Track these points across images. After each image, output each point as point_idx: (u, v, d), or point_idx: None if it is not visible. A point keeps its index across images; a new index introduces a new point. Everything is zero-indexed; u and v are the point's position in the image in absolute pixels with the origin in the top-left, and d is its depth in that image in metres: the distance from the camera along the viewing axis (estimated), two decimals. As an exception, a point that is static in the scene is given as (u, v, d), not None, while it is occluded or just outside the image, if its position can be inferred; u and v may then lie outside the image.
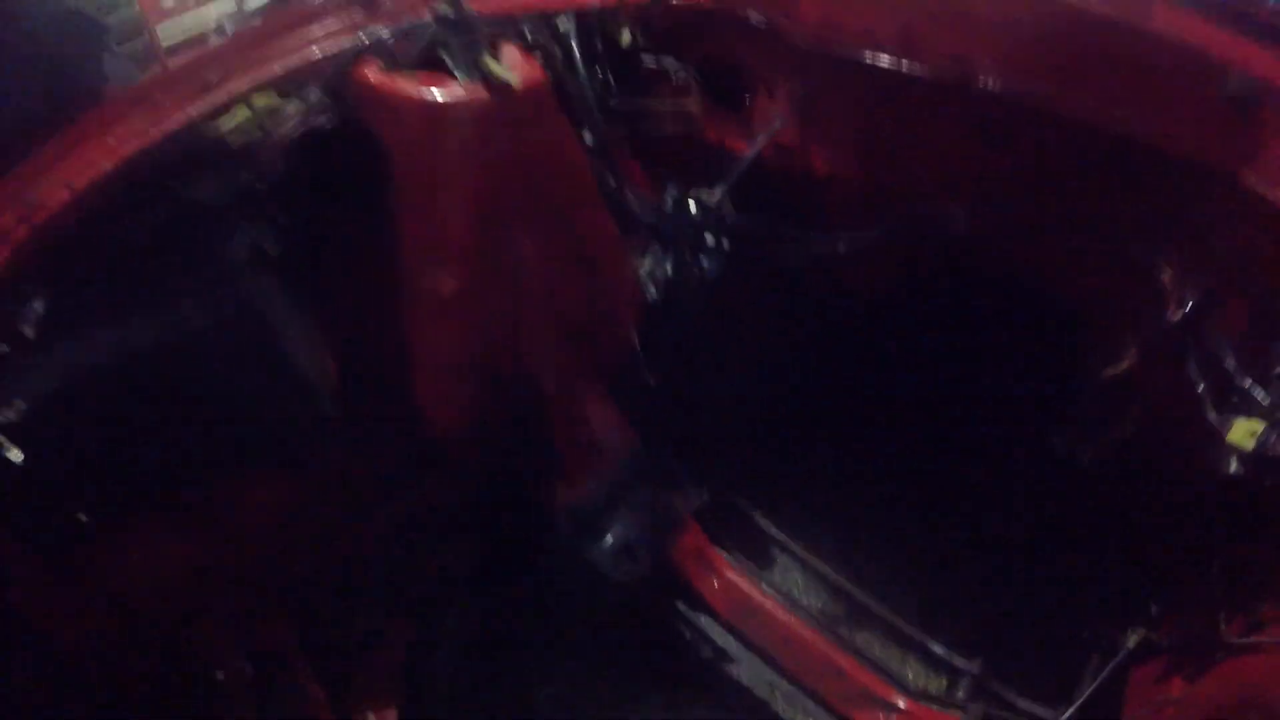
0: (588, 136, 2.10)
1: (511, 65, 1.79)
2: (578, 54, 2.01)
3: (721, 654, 2.42)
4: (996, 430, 2.37)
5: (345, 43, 1.84)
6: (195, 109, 1.74)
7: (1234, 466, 1.66)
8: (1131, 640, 2.06)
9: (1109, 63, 1.77)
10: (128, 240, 1.67)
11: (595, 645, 2.59)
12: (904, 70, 1.94)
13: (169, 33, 4.27)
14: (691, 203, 2.24)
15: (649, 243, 2.27)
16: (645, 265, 2.31)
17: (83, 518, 1.85)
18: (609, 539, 2.10)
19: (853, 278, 2.37)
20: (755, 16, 2.08)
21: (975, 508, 2.47)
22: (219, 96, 1.76)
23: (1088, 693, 1.99)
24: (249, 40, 1.87)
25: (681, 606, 2.30)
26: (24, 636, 1.91)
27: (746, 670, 2.51)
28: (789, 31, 2.04)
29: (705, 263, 2.36)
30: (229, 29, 3.45)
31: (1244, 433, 1.66)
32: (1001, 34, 1.84)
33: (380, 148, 1.81)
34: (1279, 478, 1.66)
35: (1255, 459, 1.64)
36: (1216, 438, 1.69)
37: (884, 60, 1.96)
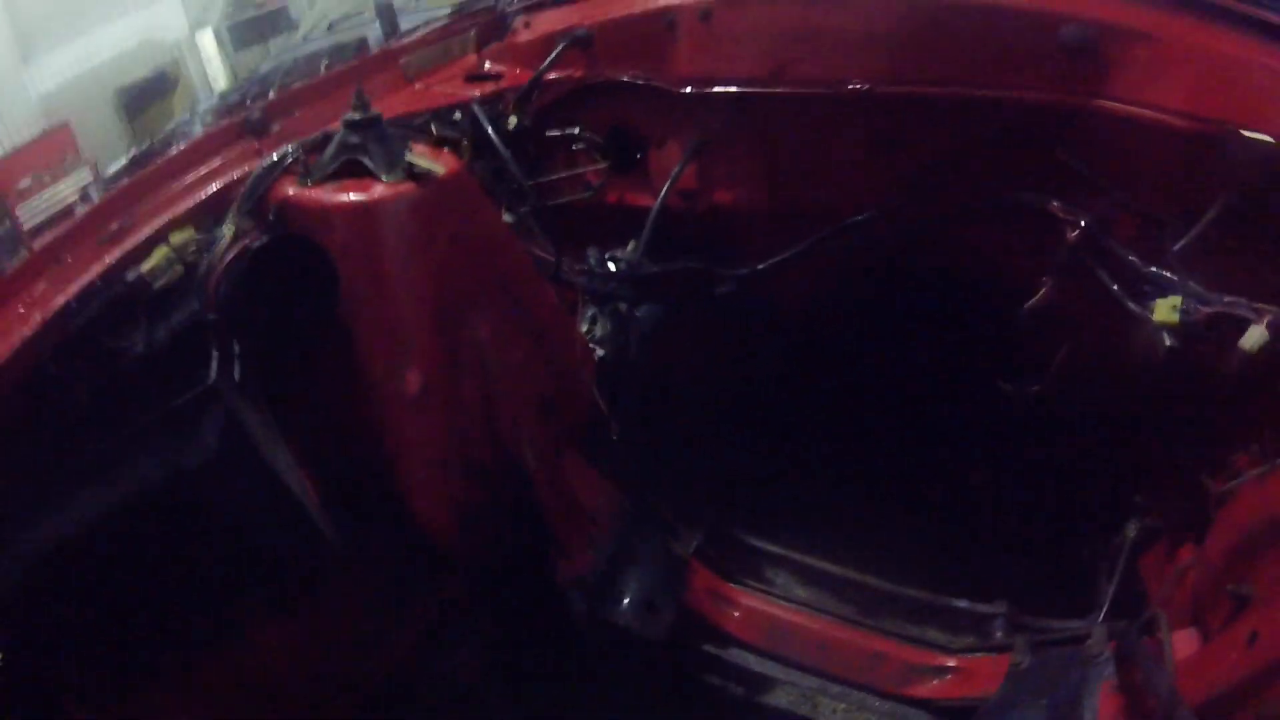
0: (507, 216, 2.17)
1: (429, 158, 1.85)
2: (479, 141, 2.10)
3: (757, 685, 2.43)
4: (953, 393, 2.51)
5: (250, 168, 1.81)
6: (110, 258, 1.66)
7: (1169, 342, 1.84)
8: (1132, 532, 2.20)
9: (958, 41, 1.99)
10: (66, 404, 1.58)
11: (633, 712, 2.55)
12: (784, 98, 2.13)
13: (31, 212, 4.09)
14: (610, 263, 2.35)
15: (585, 306, 2.35)
16: (586, 327, 2.38)
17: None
18: (626, 600, 2.11)
19: (783, 296, 2.49)
20: (630, 78, 2.24)
21: (953, 468, 2.59)
22: (131, 242, 1.70)
23: (1111, 593, 2.10)
24: (137, 190, 1.80)
25: (710, 648, 2.29)
26: None
27: (785, 693, 2.53)
28: (666, 87, 2.21)
29: (639, 314, 2.45)
30: (94, 196, 3.35)
31: (1166, 310, 1.86)
32: (863, 43, 2.04)
33: (318, 259, 1.80)
34: (1207, 339, 1.85)
35: (1183, 329, 1.83)
36: (1144, 324, 1.89)
37: (763, 93, 2.14)
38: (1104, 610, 2.02)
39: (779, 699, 2.63)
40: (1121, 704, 1.81)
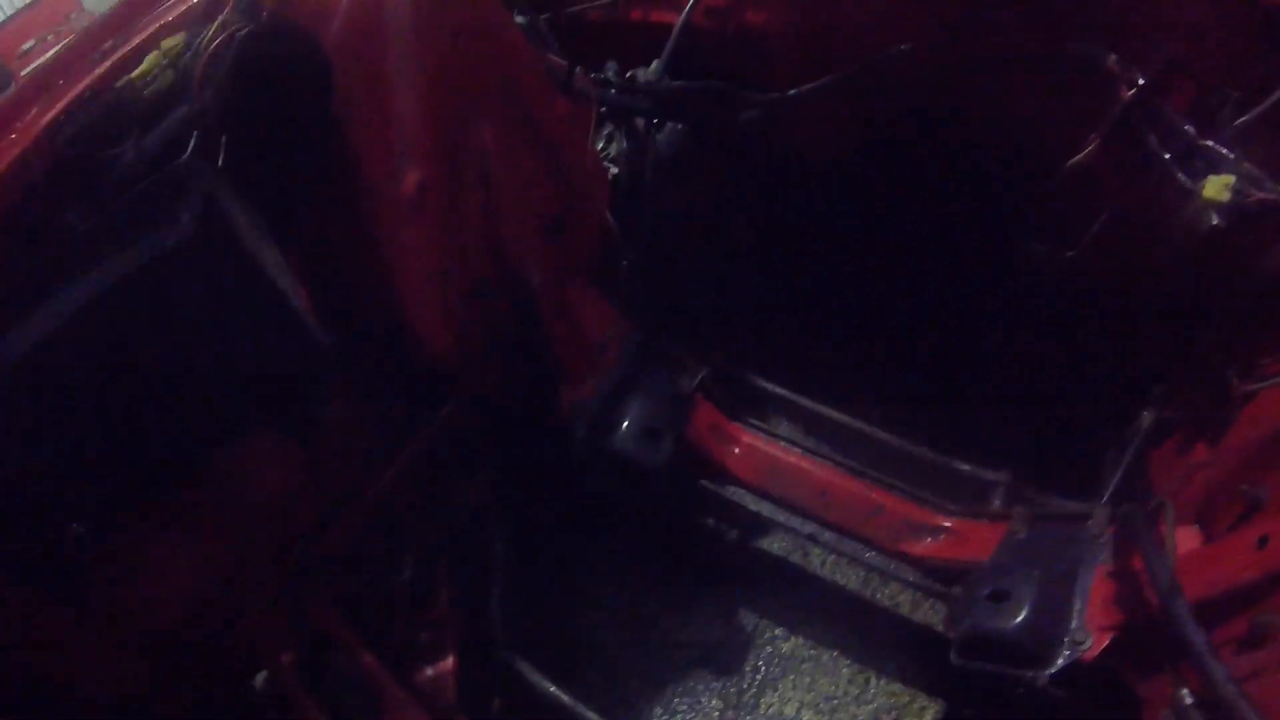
0: (519, 19, 2.00)
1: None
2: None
3: (751, 527, 2.45)
4: (979, 252, 2.38)
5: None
6: (100, 71, 1.56)
7: (1213, 221, 1.72)
8: (1147, 420, 2.12)
9: None
10: (64, 221, 1.50)
11: (632, 548, 2.62)
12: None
13: (36, 74, 3.88)
14: (631, 78, 2.18)
15: (601, 123, 2.19)
16: (601, 145, 2.24)
17: (78, 529, 1.73)
18: (627, 425, 2.06)
19: (809, 131, 2.33)
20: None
21: (971, 330, 2.49)
22: (121, 54, 1.58)
23: (1117, 478, 2.05)
24: (130, 10, 1.68)
25: (708, 484, 2.28)
26: (41, 699, 1.79)
27: (778, 539, 2.57)
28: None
29: (658, 136, 2.30)
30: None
31: (1218, 187, 1.73)
32: None
33: (309, 50, 1.67)
34: (1256, 227, 1.73)
35: (1231, 211, 1.71)
36: (1191, 199, 1.76)
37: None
38: (1107, 495, 1.97)
39: (771, 544, 2.66)
40: (1116, 588, 1.79)
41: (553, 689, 2.06)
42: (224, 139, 1.60)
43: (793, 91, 2.20)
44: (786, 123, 2.27)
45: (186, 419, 1.72)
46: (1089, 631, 1.75)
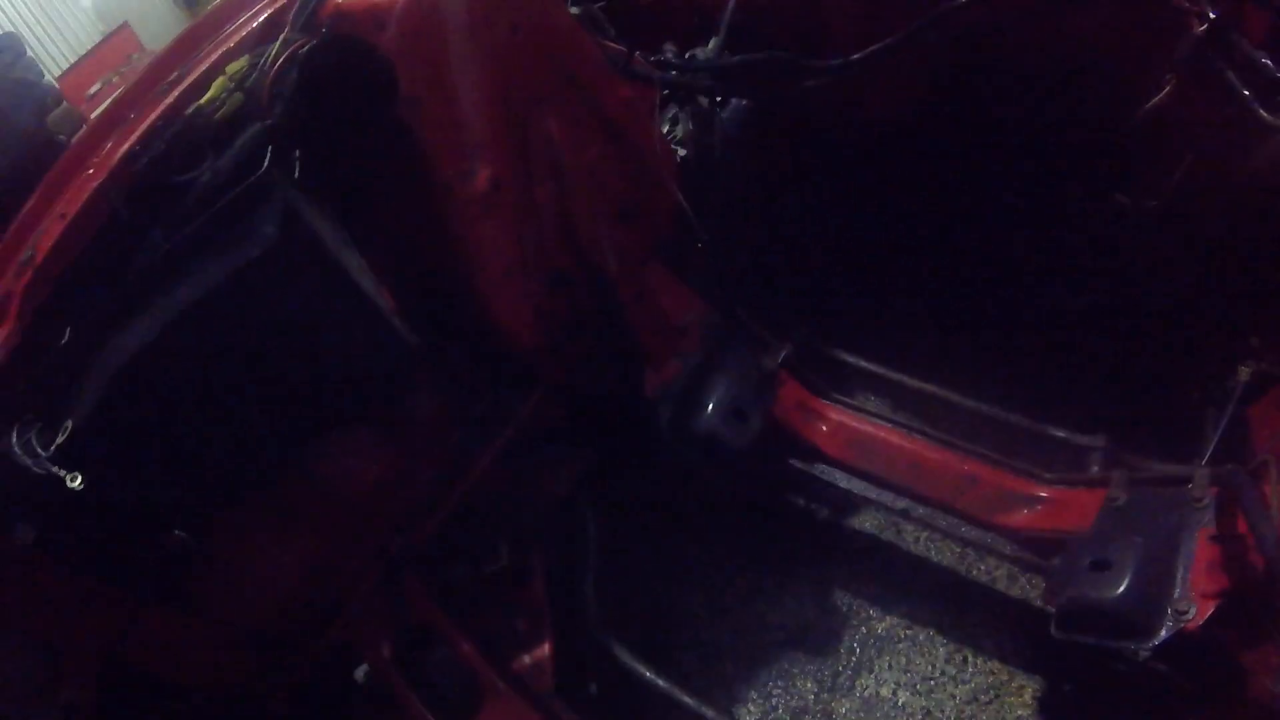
0: (573, 10, 2.00)
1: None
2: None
3: (842, 504, 2.43)
4: (1058, 209, 2.31)
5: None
6: (169, 101, 1.62)
7: None
8: (1244, 375, 2.04)
9: None
10: (141, 247, 1.57)
11: (723, 529, 2.62)
12: None
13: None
14: (691, 57, 2.16)
15: (664, 105, 2.19)
16: (667, 127, 2.23)
17: (181, 534, 1.80)
18: (712, 406, 2.05)
19: (874, 95, 2.28)
20: None
21: (1056, 289, 2.42)
22: (189, 83, 1.65)
23: (1217, 438, 1.97)
24: (192, 39, 1.74)
25: (797, 463, 2.27)
26: (150, 697, 1.87)
27: (870, 516, 2.54)
28: None
29: (722, 113, 2.28)
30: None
31: None
32: None
33: (372, 59, 1.69)
34: None
35: None
36: (1275, 134, 1.69)
37: None
38: (1208, 455, 1.89)
39: (863, 522, 2.63)
40: (1220, 552, 1.72)
41: (648, 673, 2.07)
42: (298, 152, 1.64)
43: (856, 55, 2.14)
44: (852, 88, 2.21)
45: (281, 421, 1.77)
46: (1193, 600, 1.69)
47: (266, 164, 1.60)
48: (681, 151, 2.23)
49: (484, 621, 2.11)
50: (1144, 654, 1.71)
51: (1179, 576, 1.72)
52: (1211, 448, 1.97)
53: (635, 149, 2.01)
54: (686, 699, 2.07)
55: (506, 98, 1.79)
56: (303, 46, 1.62)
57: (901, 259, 2.66)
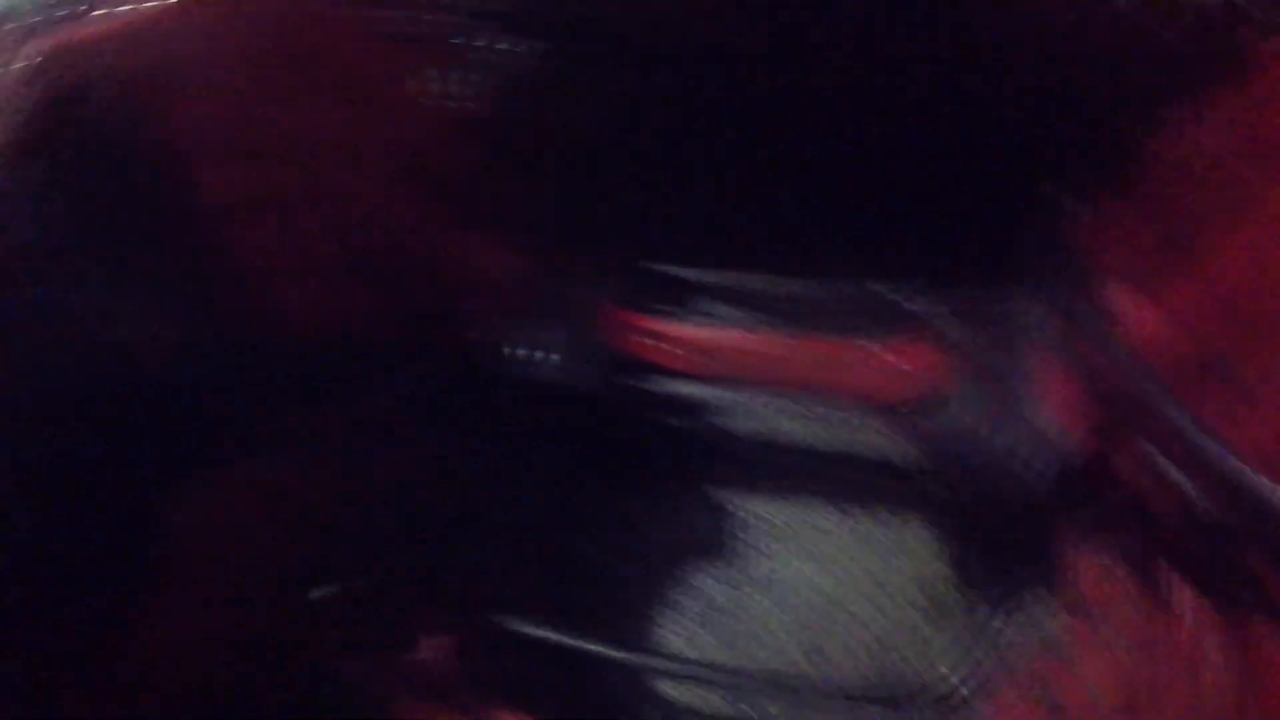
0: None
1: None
2: None
3: (710, 415, 2.36)
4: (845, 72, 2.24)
5: None
6: None
7: None
8: (1061, 192, 2.04)
9: None
10: None
11: (591, 470, 2.53)
12: None
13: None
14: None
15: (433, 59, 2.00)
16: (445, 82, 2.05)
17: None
18: (552, 355, 1.94)
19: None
20: None
21: (868, 152, 2.36)
22: None
23: (1044, 259, 1.98)
24: None
25: (651, 388, 2.18)
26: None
27: (741, 419, 2.49)
28: None
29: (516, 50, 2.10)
30: None
31: None
32: None
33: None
34: None
35: None
36: None
37: None
38: (1039, 278, 1.89)
39: (737, 424, 2.59)
40: (1066, 368, 1.74)
41: (546, 633, 1.99)
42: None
43: None
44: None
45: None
46: (1057, 420, 1.71)
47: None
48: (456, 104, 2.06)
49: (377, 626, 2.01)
50: (1026, 494, 1.75)
51: (1040, 401, 1.75)
52: (1042, 269, 1.98)
53: (405, 113, 1.81)
54: (593, 647, 2.02)
55: (261, 97, 1.56)
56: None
57: (707, 154, 2.53)
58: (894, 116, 2.33)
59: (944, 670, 2.38)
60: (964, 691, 1.91)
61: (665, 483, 2.48)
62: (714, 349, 2.09)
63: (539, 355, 1.99)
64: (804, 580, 2.50)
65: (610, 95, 2.43)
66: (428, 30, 1.88)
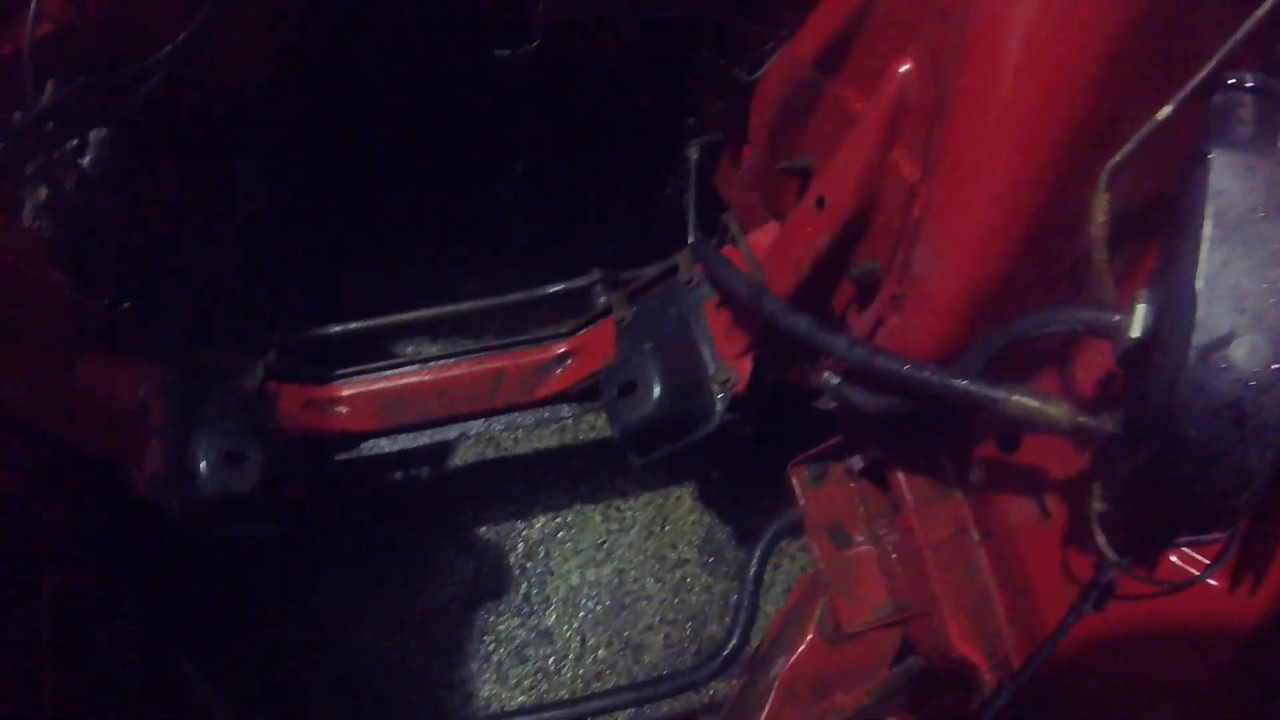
0: None
1: None
2: None
3: (417, 463, 2.32)
4: (440, 77, 2.19)
5: None
6: None
7: None
8: (694, 154, 2.06)
9: None
10: None
11: (330, 559, 2.41)
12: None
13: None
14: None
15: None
16: (26, 212, 1.85)
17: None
18: (204, 468, 1.77)
19: (224, 66, 1.99)
20: None
21: (499, 163, 2.36)
22: None
23: (692, 221, 1.99)
24: None
25: (345, 456, 2.07)
26: None
27: (460, 451, 2.45)
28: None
29: (83, 159, 1.92)
30: None
31: None
32: None
33: None
34: None
35: None
36: None
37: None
38: (689, 239, 1.90)
39: (456, 460, 2.52)
40: (728, 314, 1.75)
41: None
42: None
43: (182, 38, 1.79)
44: (196, 68, 1.92)
45: None
46: (729, 367, 1.73)
47: None
48: (43, 226, 1.85)
49: None
50: (718, 428, 1.74)
51: (707, 353, 1.75)
52: (691, 230, 1.99)
53: None
54: None
55: None
56: None
57: (343, 207, 2.48)
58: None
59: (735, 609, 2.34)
60: (740, 642, 1.91)
61: (415, 538, 2.37)
62: (390, 398, 1.99)
63: (195, 471, 1.83)
64: (592, 584, 2.46)
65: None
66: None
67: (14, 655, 1.72)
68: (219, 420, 1.82)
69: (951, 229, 1.27)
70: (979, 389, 1.19)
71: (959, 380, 1.22)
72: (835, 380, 1.48)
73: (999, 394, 1.18)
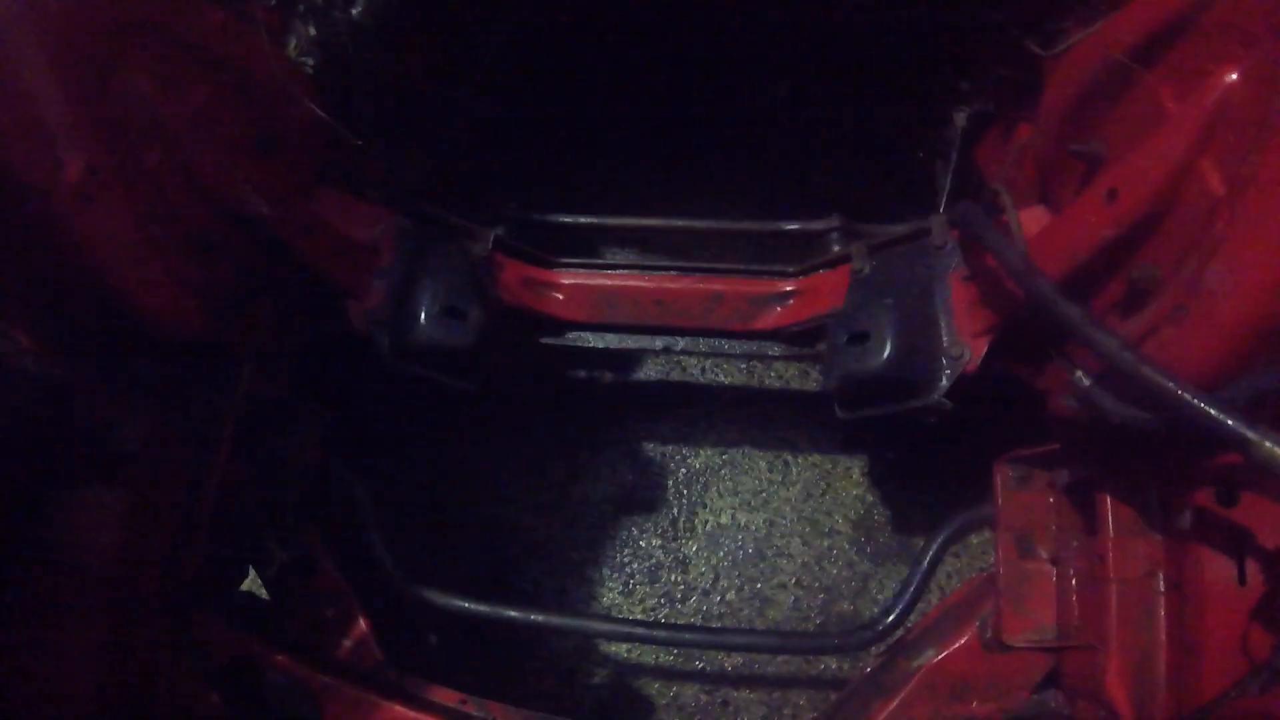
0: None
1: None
2: None
3: (608, 364, 2.33)
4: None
5: None
6: None
7: None
8: (962, 121, 1.97)
9: None
10: None
11: (508, 431, 2.48)
12: None
13: None
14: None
15: (282, 12, 1.87)
16: (291, 44, 1.92)
17: None
18: (423, 315, 1.83)
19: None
20: None
21: (762, 86, 2.28)
22: None
23: (948, 185, 1.92)
24: None
25: (549, 340, 2.09)
26: None
27: (648, 364, 2.46)
28: None
29: (354, 7, 1.98)
30: None
31: None
32: None
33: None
34: None
35: None
36: None
37: None
38: (942, 205, 1.83)
39: (646, 372, 2.53)
40: (975, 289, 1.68)
41: (468, 604, 1.93)
42: None
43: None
44: None
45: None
46: (964, 343, 1.66)
47: None
48: (309, 62, 1.93)
49: (293, 625, 1.92)
50: (936, 406, 1.69)
51: (944, 324, 1.69)
52: (944, 197, 1.93)
53: (248, 77, 1.72)
54: (526, 615, 1.96)
55: (77, 68, 1.46)
56: None
57: (587, 96, 2.48)
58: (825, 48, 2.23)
59: (882, 600, 2.34)
60: (896, 621, 1.87)
61: (587, 434, 2.40)
62: (608, 294, 2.00)
63: (415, 316, 1.88)
64: (740, 528, 2.44)
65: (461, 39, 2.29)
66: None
67: (199, 449, 1.84)
68: (444, 275, 1.87)
69: (1255, 253, 1.19)
70: (1237, 424, 1.12)
71: (1221, 410, 1.14)
72: (1087, 381, 1.41)
73: (1254, 435, 1.10)
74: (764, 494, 2.47)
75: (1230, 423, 1.13)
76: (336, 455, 2.00)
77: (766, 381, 2.52)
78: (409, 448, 2.52)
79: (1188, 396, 1.18)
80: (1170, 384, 1.21)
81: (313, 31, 1.96)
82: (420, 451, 2.52)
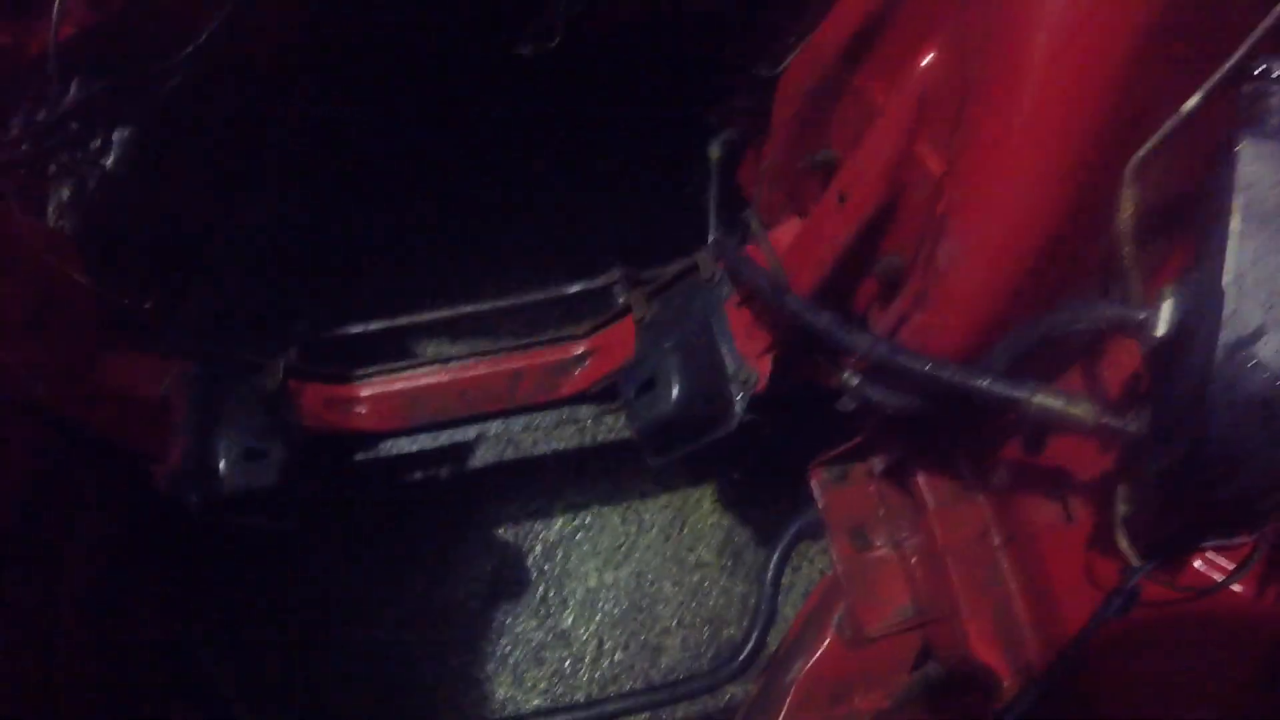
0: None
1: None
2: None
3: (434, 462, 2.31)
4: (480, 85, 2.19)
5: None
6: None
7: None
8: (716, 151, 2.02)
9: None
10: None
11: (350, 556, 2.41)
12: None
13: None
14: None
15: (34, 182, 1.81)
16: (50, 211, 1.86)
17: None
18: (223, 464, 1.77)
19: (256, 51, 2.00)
20: None
21: (517, 162, 2.34)
22: None
23: (713, 219, 1.97)
24: None
25: (364, 456, 2.07)
26: None
27: (479, 451, 2.45)
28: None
29: (107, 160, 1.94)
30: None
31: None
32: None
33: None
34: None
35: None
36: None
37: None
38: (710, 237, 1.89)
39: (476, 460, 2.51)
40: (748, 313, 1.74)
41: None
42: None
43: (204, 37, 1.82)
44: (220, 69, 1.93)
45: None
46: (749, 367, 1.71)
47: None
48: (66, 225, 1.87)
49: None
50: (736, 429, 1.73)
51: (727, 352, 1.74)
52: (712, 230, 1.98)
53: (5, 253, 1.64)
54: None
55: None
56: None
57: (362, 207, 2.50)
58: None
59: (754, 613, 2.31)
60: (757, 646, 1.89)
61: (433, 536, 2.36)
62: (410, 397, 1.99)
63: (215, 467, 1.82)
64: (610, 586, 2.45)
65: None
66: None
67: (36, 644, 1.74)
68: (241, 417, 1.83)
69: (976, 224, 1.25)
70: (1002, 388, 1.18)
71: (982, 379, 1.20)
72: (856, 380, 1.47)
73: (1022, 394, 1.16)
74: (624, 547, 2.48)
75: (996, 388, 1.18)
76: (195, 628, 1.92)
77: (600, 437, 2.53)
78: (252, 599, 2.41)
79: (949, 374, 1.23)
80: (928, 366, 1.26)
81: (66, 193, 1.91)
82: (269, 596, 2.43)
